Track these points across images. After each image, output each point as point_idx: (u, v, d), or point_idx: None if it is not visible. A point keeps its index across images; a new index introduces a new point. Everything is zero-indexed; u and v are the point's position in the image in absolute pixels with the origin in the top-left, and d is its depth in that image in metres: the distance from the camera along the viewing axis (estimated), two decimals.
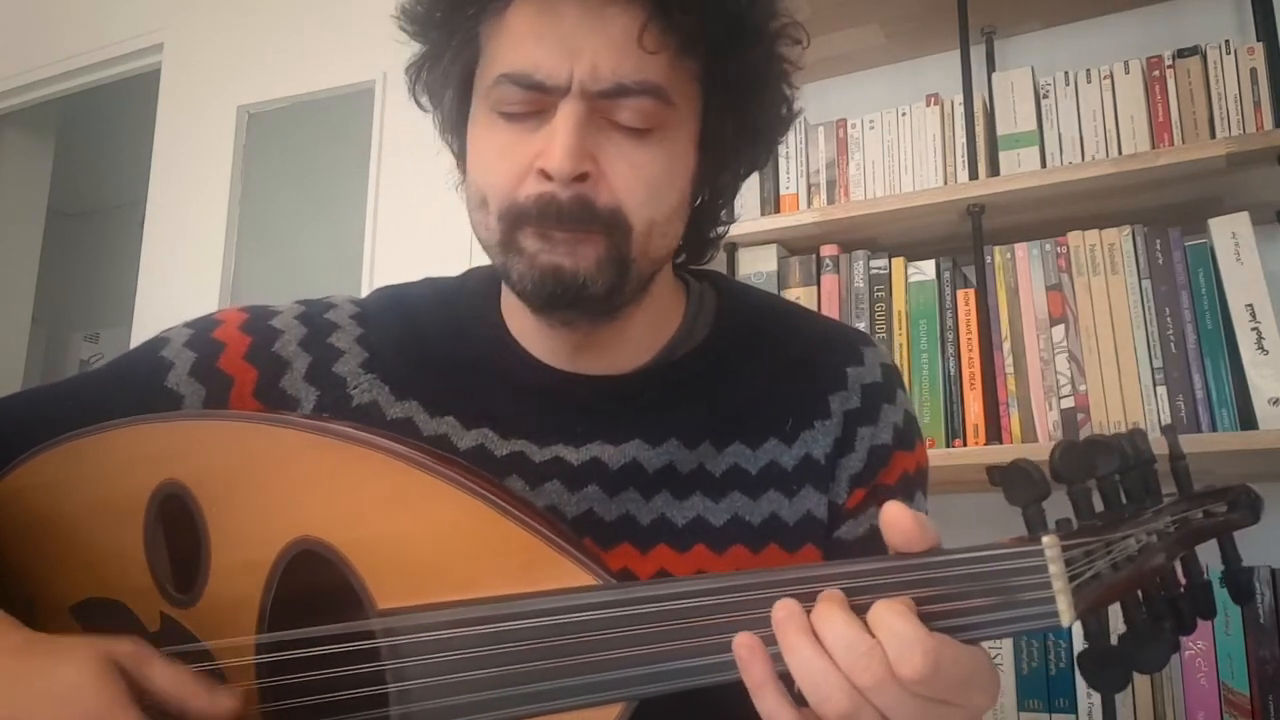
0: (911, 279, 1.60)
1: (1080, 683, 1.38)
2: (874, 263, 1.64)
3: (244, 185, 2.50)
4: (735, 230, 1.71)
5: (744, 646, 0.51)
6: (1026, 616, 0.49)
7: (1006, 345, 1.51)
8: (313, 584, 0.61)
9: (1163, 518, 0.51)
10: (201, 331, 0.77)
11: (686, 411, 0.75)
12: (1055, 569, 0.48)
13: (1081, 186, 1.49)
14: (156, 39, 2.70)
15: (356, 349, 0.77)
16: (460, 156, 0.76)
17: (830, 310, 1.64)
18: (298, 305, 0.80)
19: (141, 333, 2.47)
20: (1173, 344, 1.40)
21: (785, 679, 0.51)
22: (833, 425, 0.76)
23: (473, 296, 0.80)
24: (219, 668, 0.63)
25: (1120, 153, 1.55)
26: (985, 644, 0.51)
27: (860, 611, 0.50)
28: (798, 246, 1.73)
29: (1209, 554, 0.53)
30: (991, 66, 1.78)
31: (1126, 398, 1.41)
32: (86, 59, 2.83)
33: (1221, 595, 0.54)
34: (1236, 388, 1.36)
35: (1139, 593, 0.51)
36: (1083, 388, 1.44)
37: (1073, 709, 1.38)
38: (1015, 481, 0.50)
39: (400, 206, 2.26)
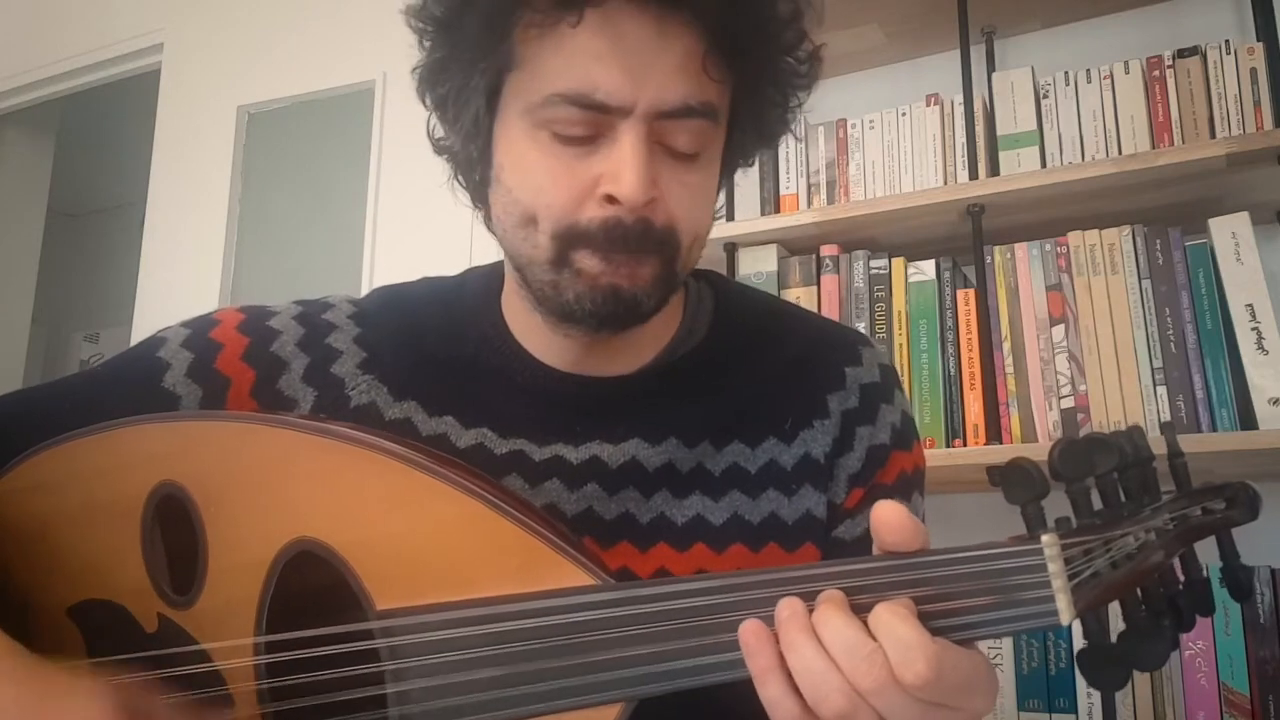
0: (911, 279, 1.60)
1: (1080, 682, 1.38)
2: (874, 263, 1.64)
3: (244, 185, 2.50)
4: (735, 230, 1.71)
5: (750, 633, 0.51)
6: (1026, 615, 0.49)
7: (1006, 345, 1.50)
8: (311, 585, 0.61)
9: (1161, 515, 0.51)
10: (199, 332, 0.77)
11: (686, 411, 0.76)
12: (1054, 568, 0.48)
13: (1081, 186, 1.49)
14: (156, 39, 2.70)
15: (354, 349, 0.77)
16: (473, 164, 0.73)
17: (830, 310, 1.64)
18: (295, 305, 0.80)
19: (142, 333, 2.45)
20: (1173, 344, 1.40)
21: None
22: (831, 425, 0.77)
23: (472, 297, 0.80)
24: (217, 669, 0.63)
25: (1120, 153, 1.55)
26: (985, 644, 0.51)
27: (861, 612, 0.50)
28: (798, 246, 1.73)
29: (1207, 552, 0.53)
30: (991, 66, 1.78)
31: (1126, 398, 1.41)
32: (86, 59, 2.83)
33: (1221, 593, 0.54)
34: (1236, 388, 1.36)
35: (1138, 590, 0.51)
36: (1083, 388, 1.44)
37: (1073, 709, 1.38)
38: (1014, 480, 0.50)
39: (400, 206, 2.26)
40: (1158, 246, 1.44)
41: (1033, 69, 1.65)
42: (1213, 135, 1.49)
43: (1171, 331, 1.40)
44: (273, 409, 0.74)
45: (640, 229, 0.66)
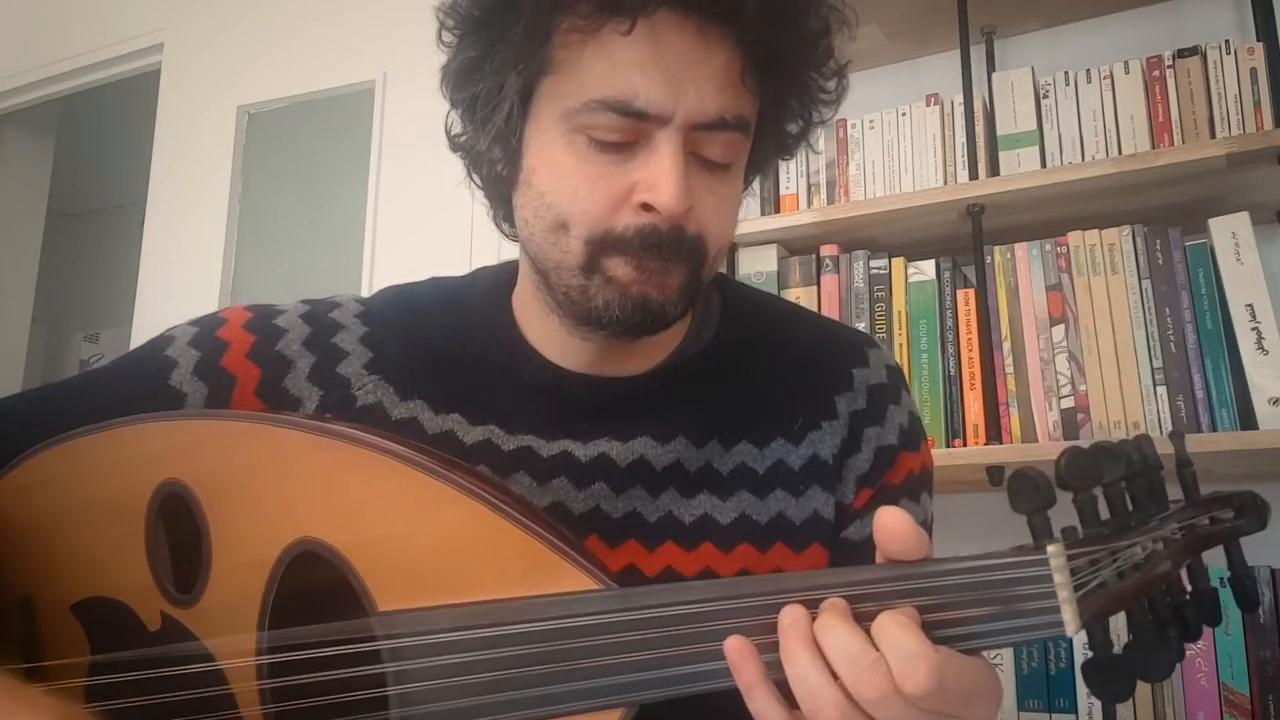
0: (911, 279, 1.60)
1: (1080, 683, 1.38)
2: (874, 263, 1.64)
3: (244, 185, 2.50)
4: (735, 230, 1.71)
5: (734, 650, 0.52)
6: (1031, 626, 0.48)
7: (1006, 345, 1.51)
8: (313, 585, 0.61)
9: (1169, 525, 0.51)
10: (206, 330, 0.77)
11: (694, 410, 0.76)
12: (1060, 578, 0.48)
13: (1081, 186, 1.49)
14: (156, 39, 2.69)
15: (361, 349, 0.77)
16: (497, 164, 0.72)
17: (830, 310, 1.64)
18: (303, 304, 0.80)
19: (141, 333, 2.47)
20: (1173, 344, 1.40)
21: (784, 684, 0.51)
22: (839, 426, 0.77)
23: (481, 296, 0.80)
24: (219, 668, 0.63)
25: (1120, 153, 1.55)
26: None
27: (864, 620, 0.49)
28: (798, 246, 1.73)
29: (1210, 557, 0.53)
30: (991, 66, 1.78)
31: (1126, 398, 1.41)
32: (86, 59, 2.83)
33: (1224, 599, 0.54)
34: (1236, 388, 1.36)
35: (1144, 601, 0.51)
36: (1083, 388, 1.44)
37: (1073, 709, 1.38)
38: (1020, 490, 0.49)
39: (400, 206, 2.26)
40: (1158, 246, 1.44)
41: (1033, 69, 1.65)
42: (1213, 135, 1.49)
43: (1171, 331, 1.41)
44: (278, 407, 0.74)
45: (674, 236, 0.66)
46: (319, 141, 2.52)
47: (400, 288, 0.83)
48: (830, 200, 1.75)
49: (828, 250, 1.67)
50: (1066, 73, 1.62)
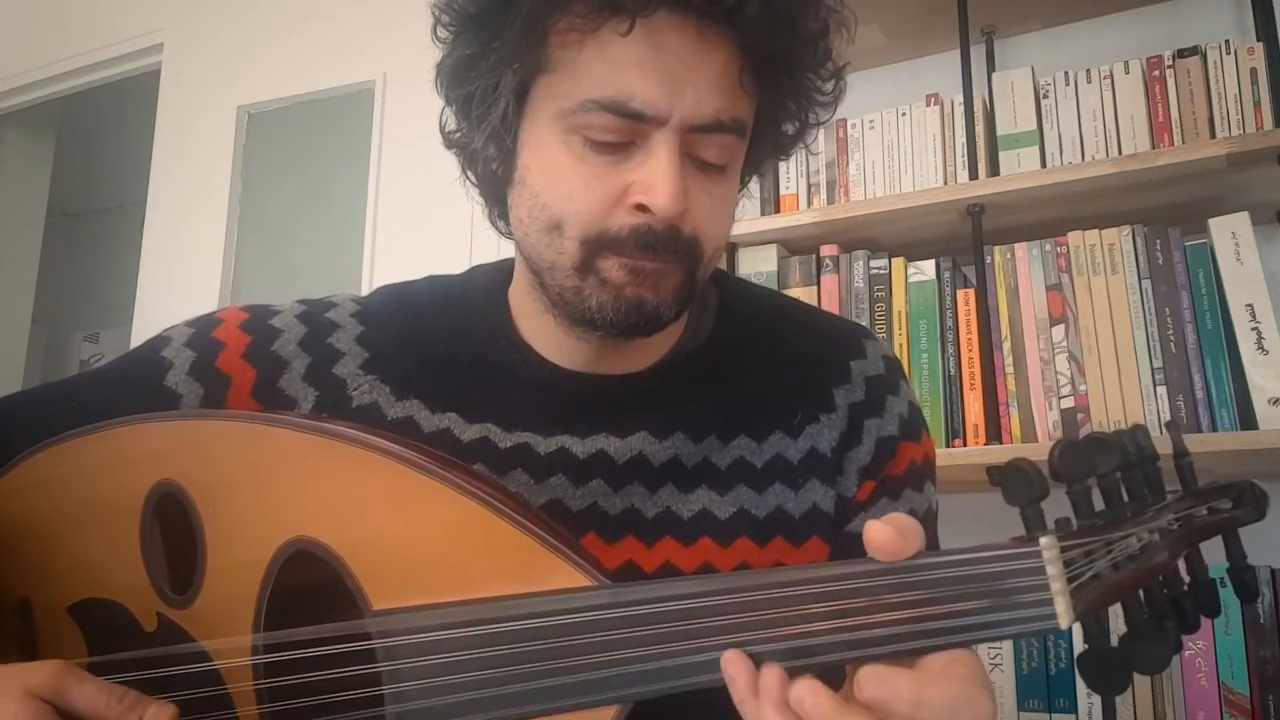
0: (911, 279, 1.60)
1: (1080, 682, 1.37)
2: (874, 263, 1.64)
3: (244, 185, 2.50)
4: (735, 230, 1.70)
5: (730, 662, 0.52)
6: (1024, 619, 0.48)
7: (1006, 345, 1.50)
8: (308, 584, 0.61)
9: (1165, 515, 0.51)
10: (202, 330, 0.77)
11: (692, 406, 0.76)
12: (1053, 570, 0.48)
13: (1081, 186, 1.49)
14: (156, 39, 2.69)
15: (357, 349, 0.77)
16: (492, 162, 0.72)
17: (830, 310, 1.63)
18: (299, 304, 0.80)
19: (141, 333, 2.47)
20: (1173, 344, 1.40)
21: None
22: (838, 419, 0.77)
23: (477, 295, 0.80)
24: (215, 668, 0.63)
25: (1120, 153, 1.55)
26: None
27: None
28: (798, 246, 1.73)
29: (1210, 551, 0.53)
30: (991, 66, 1.77)
31: (1126, 398, 1.41)
32: (86, 59, 2.83)
33: (1222, 593, 0.54)
34: (1236, 388, 1.36)
35: (1140, 592, 0.51)
36: (1083, 388, 1.44)
37: (1073, 709, 1.37)
38: (1013, 481, 0.49)
39: (400, 206, 2.26)
40: (1158, 246, 1.44)
41: (1033, 69, 1.65)
42: (1213, 135, 1.49)
43: (1171, 331, 1.40)
44: (274, 408, 0.74)
45: (669, 236, 0.66)
46: (319, 141, 2.52)
47: (396, 286, 0.83)
48: (830, 200, 1.75)
49: (828, 250, 1.67)
50: (1066, 73, 1.62)
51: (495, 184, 0.74)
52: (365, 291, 0.84)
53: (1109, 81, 1.58)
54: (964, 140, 1.65)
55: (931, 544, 0.70)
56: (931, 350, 1.56)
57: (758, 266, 1.72)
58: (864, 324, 1.59)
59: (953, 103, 1.69)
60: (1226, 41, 1.52)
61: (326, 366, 0.76)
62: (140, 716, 0.57)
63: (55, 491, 0.68)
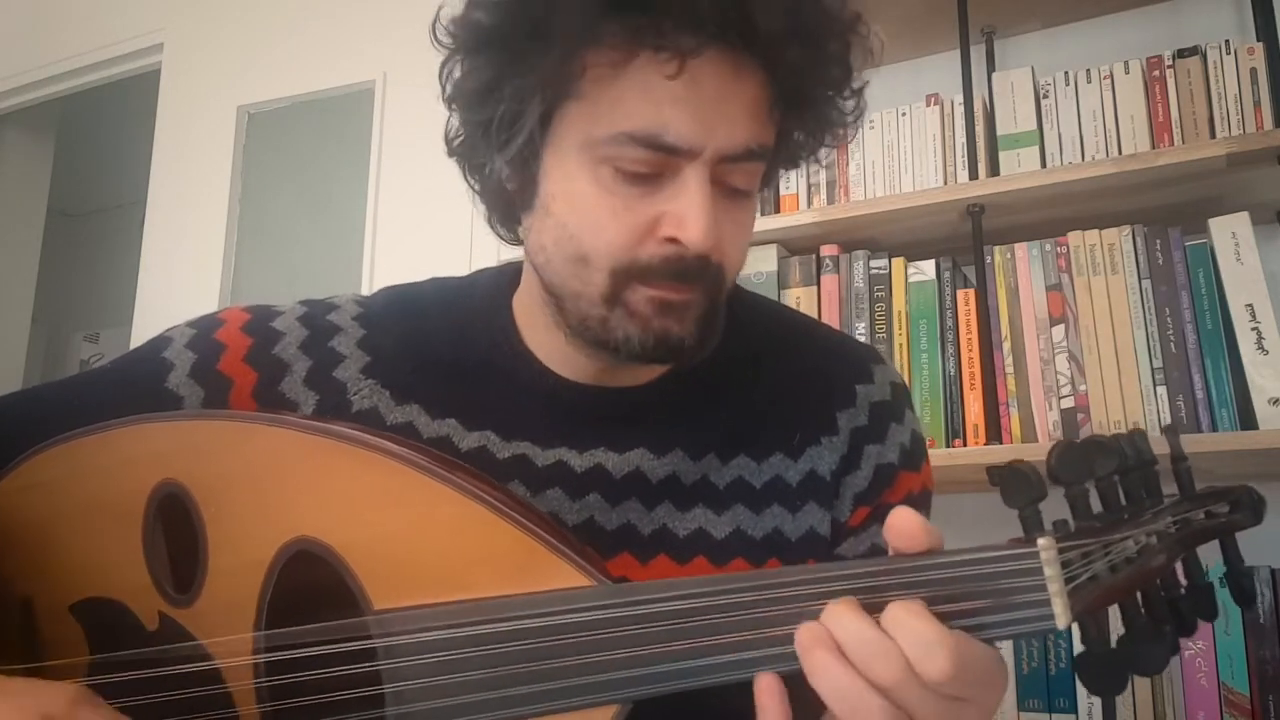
0: (911, 279, 1.60)
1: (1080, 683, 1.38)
2: (874, 263, 1.64)
3: (244, 185, 2.50)
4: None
5: (764, 692, 0.51)
6: (1022, 620, 0.49)
7: (1006, 345, 1.50)
8: (310, 584, 0.61)
9: (1163, 518, 0.51)
10: (203, 332, 0.77)
11: (693, 423, 0.75)
12: (1051, 571, 0.48)
13: (1081, 186, 1.49)
14: (156, 39, 2.70)
15: (358, 353, 0.76)
16: (506, 184, 0.71)
17: (830, 310, 1.64)
18: (301, 306, 0.80)
19: (141, 332, 2.47)
20: (1173, 344, 1.40)
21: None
22: (839, 442, 0.76)
23: (481, 299, 0.79)
24: (216, 667, 0.63)
25: (1120, 153, 1.55)
26: None
27: (873, 612, 0.49)
28: (798, 246, 1.73)
29: (1208, 555, 0.53)
30: (991, 66, 1.77)
31: (1126, 398, 1.41)
32: (86, 59, 2.83)
33: (1222, 596, 0.54)
34: (1236, 388, 1.36)
35: (1138, 595, 0.51)
36: (1083, 388, 1.44)
37: (1073, 709, 1.38)
38: (1011, 483, 0.50)
39: (400, 206, 2.26)
40: (1158, 246, 1.44)
41: (1033, 69, 1.65)
42: (1213, 135, 1.49)
43: (1171, 331, 1.40)
44: (274, 410, 0.74)
45: (699, 266, 0.66)
46: (319, 141, 2.52)
47: (400, 288, 0.82)
48: (830, 200, 1.75)
49: (828, 250, 1.67)
50: (1066, 73, 1.62)
51: (505, 197, 0.73)
52: (366, 293, 0.84)
53: (1109, 81, 1.58)
54: (964, 140, 1.65)
55: None
56: (931, 350, 1.56)
57: (758, 266, 1.71)
58: (864, 325, 1.59)
59: (953, 103, 1.69)
60: (1226, 41, 1.52)
61: (327, 370, 0.76)
62: None
63: (57, 491, 0.68)
